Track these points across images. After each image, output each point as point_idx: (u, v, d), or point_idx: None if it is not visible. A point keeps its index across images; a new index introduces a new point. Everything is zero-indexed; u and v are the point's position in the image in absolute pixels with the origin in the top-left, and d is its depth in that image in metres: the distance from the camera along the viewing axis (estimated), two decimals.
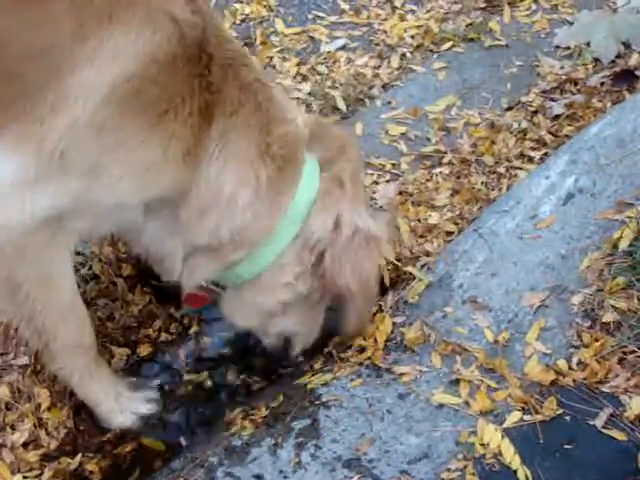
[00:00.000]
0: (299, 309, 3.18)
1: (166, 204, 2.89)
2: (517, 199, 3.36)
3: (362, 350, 3.02)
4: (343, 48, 4.85)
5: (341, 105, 4.44)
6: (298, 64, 4.75)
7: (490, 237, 3.25)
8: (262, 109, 2.93)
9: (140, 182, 2.81)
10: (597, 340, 2.79)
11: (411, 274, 3.32)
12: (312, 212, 3.05)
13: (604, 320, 2.83)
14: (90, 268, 3.64)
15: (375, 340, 3.01)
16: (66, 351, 3.05)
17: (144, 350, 3.50)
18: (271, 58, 4.82)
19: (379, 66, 4.69)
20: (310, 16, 5.08)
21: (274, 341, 3.30)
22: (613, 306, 2.83)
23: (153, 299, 3.62)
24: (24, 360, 3.36)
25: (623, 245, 2.93)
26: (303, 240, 3.07)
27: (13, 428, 3.17)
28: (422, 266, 3.34)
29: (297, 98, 4.48)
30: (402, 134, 4.22)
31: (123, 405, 3.25)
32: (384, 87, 4.57)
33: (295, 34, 4.92)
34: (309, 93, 4.55)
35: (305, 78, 4.67)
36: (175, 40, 2.66)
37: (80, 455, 3.18)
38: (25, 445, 3.15)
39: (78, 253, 3.67)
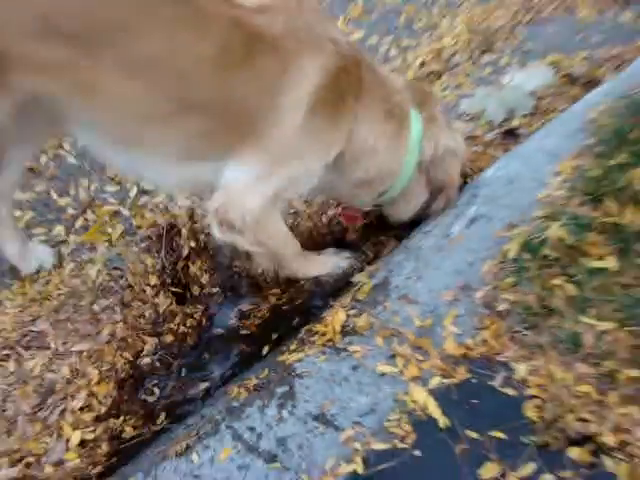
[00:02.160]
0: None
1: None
2: (435, 223, 3.37)
3: (325, 334, 3.00)
4: None
5: None
6: None
7: (416, 251, 3.25)
8: (384, 87, 3.25)
9: (325, 155, 3.14)
10: (494, 324, 2.79)
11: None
12: (423, 143, 3.39)
13: (499, 309, 2.82)
14: (126, 279, 3.62)
15: (334, 328, 2.99)
16: (292, 259, 3.38)
17: (168, 339, 3.48)
18: None
19: None
20: None
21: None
22: (505, 299, 2.83)
23: (173, 301, 3.61)
24: (79, 347, 3.34)
25: (511, 255, 2.93)
26: (420, 163, 3.43)
27: (72, 397, 3.16)
28: (368, 273, 3.32)
29: None
30: None
31: (330, 263, 3.56)
32: None
33: None
34: None
35: None
36: (338, 56, 2.99)
37: (122, 417, 3.17)
38: (81, 409, 3.13)
39: (116, 268, 3.66)
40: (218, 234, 3.17)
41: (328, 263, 3.54)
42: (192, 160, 3.05)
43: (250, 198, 3.05)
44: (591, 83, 4.04)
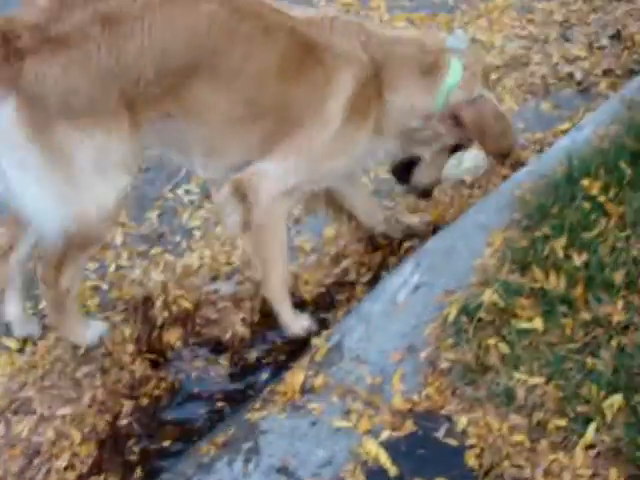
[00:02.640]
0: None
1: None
2: (383, 290, 3.38)
3: (286, 394, 2.98)
4: None
5: None
6: None
7: (367, 316, 3.25)
8: (412, 59, 3.26)
9: (350, 155, 3.25)
10: (437, 381, 2.80)
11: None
12: (453, 91, 3.30)
13: (441, 367, 2.83)
14: (105, 348, 3.59)
15: (294, 388, 2.98)
16: (276, 281, 3.32)
17: (144, 401, 3.45)
18: None
19: None
20: None
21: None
22: (446, 358, 2.84)
23: (148, 367, 3.57)
24: (63, 411, 3.31)
25: (450, 318, 2.95)
26: (446, 107, 3.32)
27: (57, 457, 3.12)
28: (324, 337, 3.31)
29: None
30: None
31: (295, 319, 3.45)
32: None
33: None
34: None
35: None
36: (365, 64, 3.12)
37: (104, 475, 3.13)
38: (65, 469, 3.09)
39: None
40: (223, 198, 3.21)
41: (296, 320, 3.49)
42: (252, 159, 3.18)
43: (272, 182, 3.12)
44: (517, 164, 4.13)
